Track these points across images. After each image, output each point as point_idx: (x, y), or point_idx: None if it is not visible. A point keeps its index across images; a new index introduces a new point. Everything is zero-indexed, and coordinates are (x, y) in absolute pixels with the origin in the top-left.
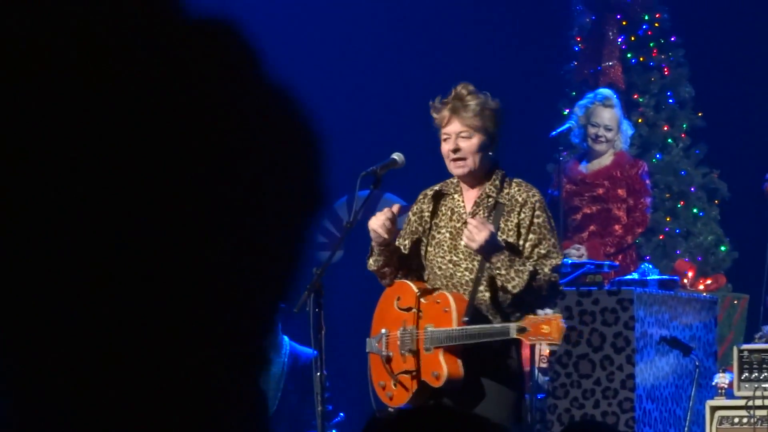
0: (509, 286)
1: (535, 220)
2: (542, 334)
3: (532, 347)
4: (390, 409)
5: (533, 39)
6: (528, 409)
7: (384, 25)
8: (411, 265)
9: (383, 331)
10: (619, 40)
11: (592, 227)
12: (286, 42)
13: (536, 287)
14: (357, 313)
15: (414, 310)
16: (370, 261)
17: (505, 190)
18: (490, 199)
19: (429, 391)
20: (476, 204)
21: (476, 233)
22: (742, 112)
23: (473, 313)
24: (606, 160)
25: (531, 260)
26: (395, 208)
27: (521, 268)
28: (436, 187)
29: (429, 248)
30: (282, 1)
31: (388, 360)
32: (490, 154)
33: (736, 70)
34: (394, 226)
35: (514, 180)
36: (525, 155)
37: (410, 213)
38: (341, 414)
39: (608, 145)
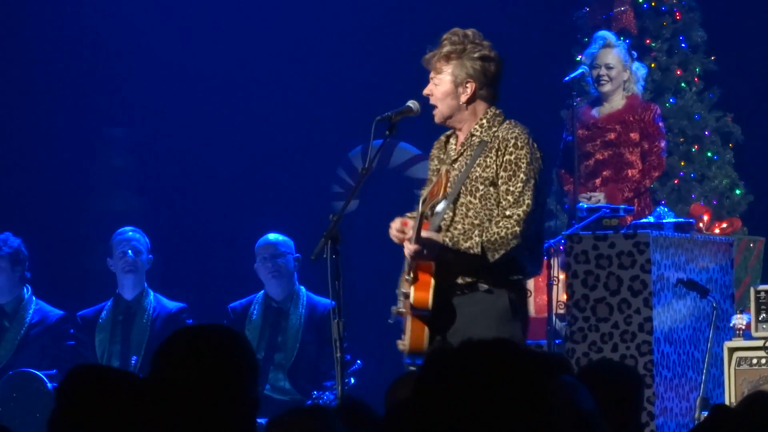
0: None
1: (508, 157)
2: None
3: (549, 294)
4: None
5: None
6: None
7: None
8: None
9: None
10: None
11: (605, 173)
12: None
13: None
14: (374, 261)
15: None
16: None
17: (493, 129)
18: (474, 138)
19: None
20: (462, 145)
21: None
22: (755, 55)
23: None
24: (618, 103)
25: (492, 221)
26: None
27: (469, 244)
28: (449, 132)
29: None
30: None
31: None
32: (465, 98)
33: (747, 12)
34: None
35: (508, 120)
36: (539, 101)
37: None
38: (359, 362)
39: (613, 85)
